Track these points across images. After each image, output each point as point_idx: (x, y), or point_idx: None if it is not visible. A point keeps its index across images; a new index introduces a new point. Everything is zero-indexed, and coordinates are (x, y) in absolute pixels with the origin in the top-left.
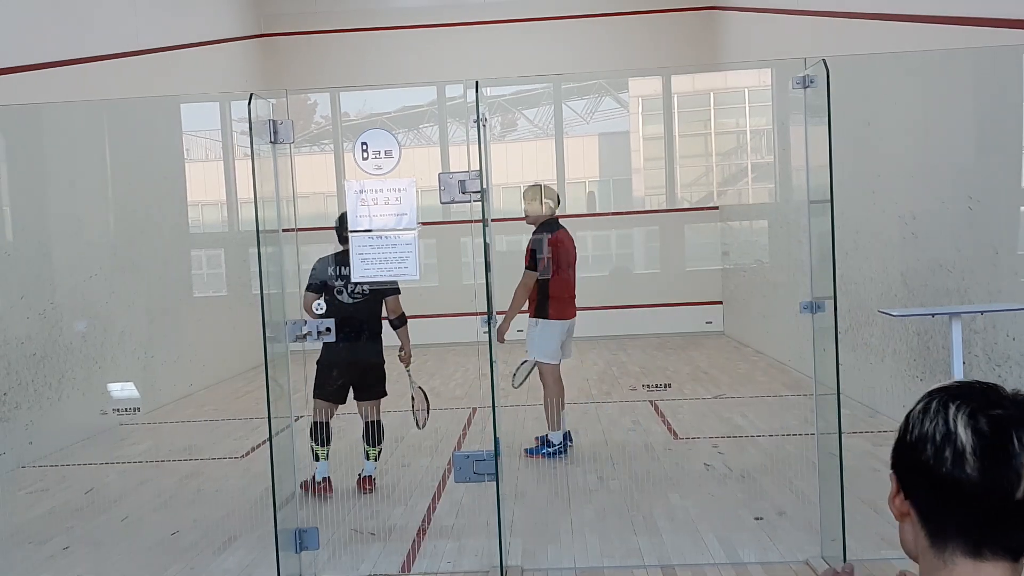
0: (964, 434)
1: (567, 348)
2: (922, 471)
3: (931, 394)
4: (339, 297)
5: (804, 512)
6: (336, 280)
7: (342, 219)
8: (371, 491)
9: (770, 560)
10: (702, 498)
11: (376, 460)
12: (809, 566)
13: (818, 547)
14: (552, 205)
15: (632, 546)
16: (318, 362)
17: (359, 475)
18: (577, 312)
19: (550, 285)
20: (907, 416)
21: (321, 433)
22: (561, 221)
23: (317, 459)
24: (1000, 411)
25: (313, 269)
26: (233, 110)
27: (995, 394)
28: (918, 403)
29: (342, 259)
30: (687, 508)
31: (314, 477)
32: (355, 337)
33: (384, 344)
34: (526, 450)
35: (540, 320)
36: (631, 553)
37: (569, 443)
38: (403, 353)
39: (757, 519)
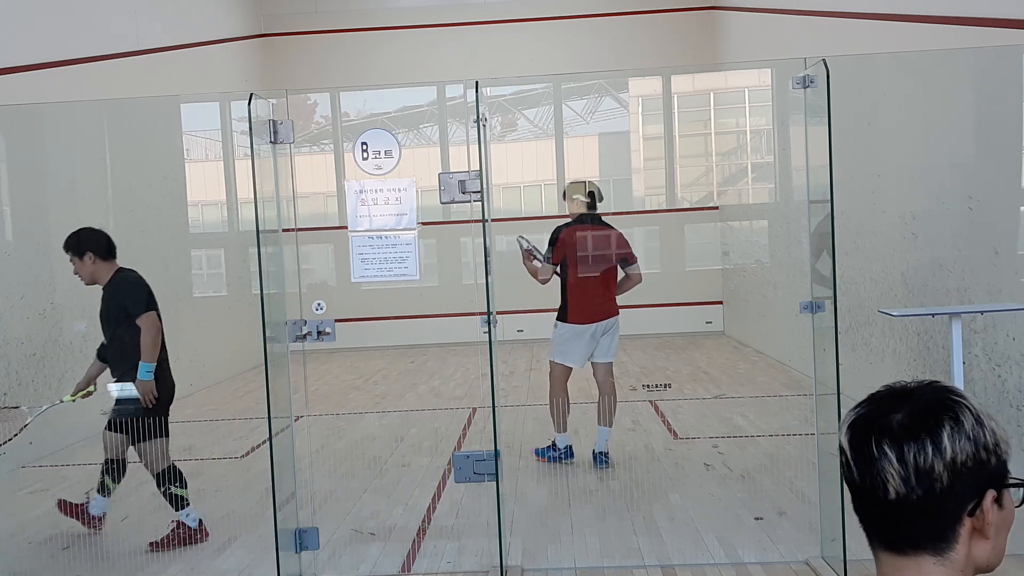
0: (844, 442)
1: (599, 351)
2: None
3: None
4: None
5: (804, 512)
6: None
7: (104, 235)
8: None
9: (770, 560)
10: (702, 498)
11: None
12: (809, 566)
13: (818, 547)
14: (583, 200)
15: (632, 546)
16: (168, 388)
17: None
18: (612, 315)
19: (568, 286)
20: None
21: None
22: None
23: (109, 494)
24: (859, 413)
25: (146, 291)
26: (233, 110)
27: (878, 395)
28: None
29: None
30: (687, 508)
31: (86, 507)
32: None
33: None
34: (535, 450)
35: (558, 322)
36: (631, 553)
37: (571, 456)
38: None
39: (757, 519)
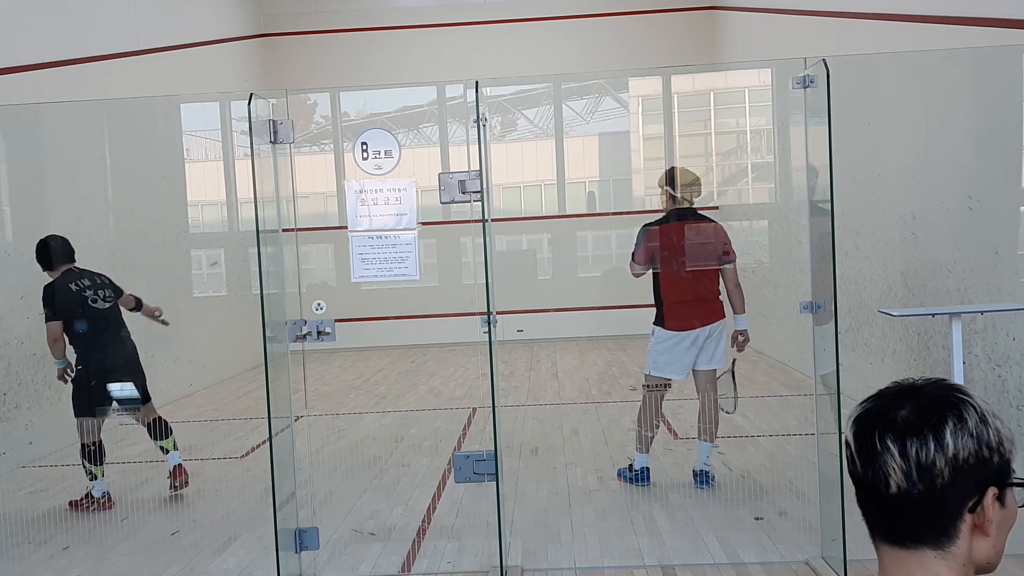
0: (849, 436)
1: (702, 357)
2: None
3: None
4: (94, 306)
5: (804, 512)
6: (87, 291)
7: (44, 248)
8: (186, 481)
9: (770, 560)
10: (702, 498)
11: (176, 448)
12: (809, 566)
13: (818, 547)
14: (672, 192)
15: (632, 546)
16: (76, 378)
17: (170, 470)
18: (702, 324)
19: (660, 289)
20: None
21: (99, 453)
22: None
23: (95, 478)
24: (866, 407)
25: (49, 302)
26: (233, 110)
27: (887, 390)
28: None
29: (75, 275)
30: (687, 508)
31: (89, 494)
32: (121, 340)
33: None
34: (619, 471)
35: (655, 327)
36: (631, 553)
37: (644, 479)
38: (154, 308)
39: (757, 519)
